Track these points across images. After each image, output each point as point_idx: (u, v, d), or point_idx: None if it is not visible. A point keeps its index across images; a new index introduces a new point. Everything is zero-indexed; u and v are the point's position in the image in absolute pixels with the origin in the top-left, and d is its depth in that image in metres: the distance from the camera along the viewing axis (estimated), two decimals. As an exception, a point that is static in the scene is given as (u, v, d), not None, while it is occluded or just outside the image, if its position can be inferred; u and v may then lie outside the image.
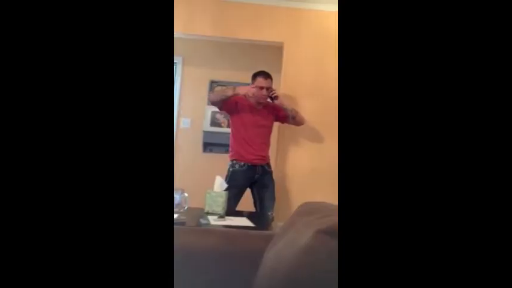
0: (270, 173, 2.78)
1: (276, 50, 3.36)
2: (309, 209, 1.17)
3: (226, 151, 3.86)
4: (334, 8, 3.13)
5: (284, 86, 3.18)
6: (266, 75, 2.69)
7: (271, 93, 2.71)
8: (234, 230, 1.69)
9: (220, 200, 2.07)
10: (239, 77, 3.96)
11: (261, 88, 2.64)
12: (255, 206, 2.74)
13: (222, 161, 3.72)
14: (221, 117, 3.95)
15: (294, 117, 2.80)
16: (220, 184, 2.15)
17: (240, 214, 2.18)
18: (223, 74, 4.00)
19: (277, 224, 2.72)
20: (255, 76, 2.70)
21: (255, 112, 2.70)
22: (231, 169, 2.68)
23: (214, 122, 3.92)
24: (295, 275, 0.70)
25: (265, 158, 2.75)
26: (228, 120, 3.94)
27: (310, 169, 3.14)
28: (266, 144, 2.77)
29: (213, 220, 1.86)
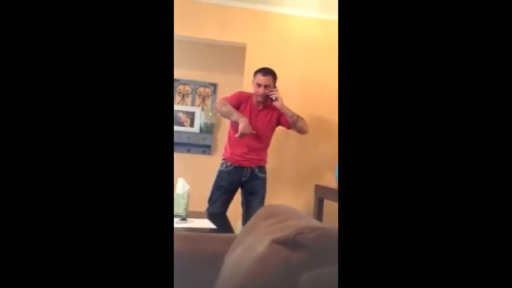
0: (262, 179, 2.55)
1: (239, 51, 3.39)
2: (269, 212, 1.21)
3: (188, 151, 3.88)
4: (297, 12, 3.20)
5: (246, 87, 3.23)
6: (265, 71, 2.47)
7: (270, 93, 2.47)
8: (196, 233, 1.72)
9: (182, 201, 2.08)
10: (202, 76, 3.98)
11: (258, 85, 2.44)
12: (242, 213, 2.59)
13: (184, 162, 3.72)
14: (183, 116, 3.93)
15: (294, 123, 2.51)
16: (182, 186, 2.16)
17: (202, 216, 2.20)
18: (187, 73, 3.98)
19: (238, 225, 2.76)
20: (255, 73, 2.51)
21: (255, 113, 2.50)
22: (218, 169, 2.56)
23: (176, 121, 3.89)
24: (249, 284, 0.73)
25: (257, 160, 2.54)
26: (190, 119, 3.94)
27: (270, 166, 3.21)
28: (263, 148, 2.56)
29: (175, 223, 1.87)
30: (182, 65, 4.00)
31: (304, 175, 3.22)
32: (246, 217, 2.52)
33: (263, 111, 2.55)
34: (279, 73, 3.02)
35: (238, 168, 2.51)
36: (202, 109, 3.97)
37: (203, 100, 4.02)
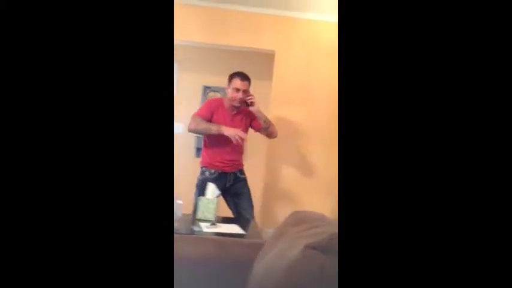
0: (244, 180, 2.60)
1: (267, 57, 3.41)
2: (298, 219, 1.21)
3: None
4: (325, 17, 3.20)
5: (275, 93, 3.24)
6: (243, 76, 2.48)
7: (248, 98, 2.48)
8: (226, 238, 1.73)
9: (212, 206, 2.10)
10: (231, 83, 4.01)
11: (237, 90, 2.44)
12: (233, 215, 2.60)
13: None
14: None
15: (266, 128, 2.57)
16: (212, 190, 2.18)
17: (231, 221, 2.22)
18: (216, 80, 4.04)
19: (266, 231, 2.76)
20: (231, 77, 2.50)
21: (229, 118, 2.50)
22: (200, 177, 2.53)
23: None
24: None
25: (237, 164, 2.58)
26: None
27: (299, 176, 3.20)
28: (239, 151, 2.59)
29: (205, 227, 1.89)
30: (212, 73, 4.07)
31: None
32: (237, 216, 2.54)
33: (237, 115, 2.55)
34: (307, 79, 2.99)
35: (222, 174, 2.53)
36: (231, 115, 4.00)
37: (232, 106, 4.06)
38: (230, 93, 2.48)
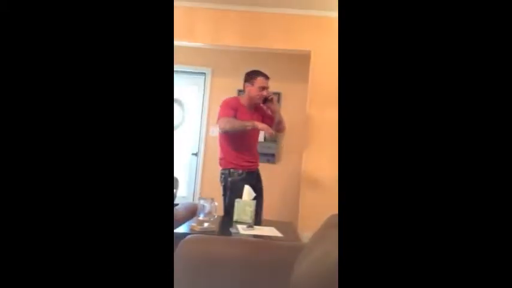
0: (260, 177, 2.68)
1: (303, 59, 3.37)
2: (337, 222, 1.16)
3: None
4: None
5: (311, 95, 3.19)
6: (265, 75, 2.56)
7: (269, 94, 2.56)
8: (263, 240, 1.70)
9: (249, 209, 2.08)
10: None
11: (262, 88, 2.52)
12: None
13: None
14: (248, 125, 3.97)
15: (280, 122, 2.65)
16: (249, 193, 2.16)
17: (268, 223, 2.18)
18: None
19: (304, 235, 2.71)
20: (254, 75, 2.55)
21: (250, 115, 2.54)
22: (229, 179, 2.51)
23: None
24: (332, 282, 0.70)
25: (257, 162, 2.68)
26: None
27: (335, 177, 3.12)
28: (257, 148, 2.70)
29: (242, 229, 1.87)
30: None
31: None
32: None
33: (255, 112, 2.61)
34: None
35: (249, 174, 2.56)
36: (266, 118, 3.99)
37: (267, 109, 4.05)
38: (253, 91, 2.53)
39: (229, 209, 2.37)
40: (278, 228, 1.97)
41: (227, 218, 2.25)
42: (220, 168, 2.59)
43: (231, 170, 2.53)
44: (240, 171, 2.53)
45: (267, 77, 2.55)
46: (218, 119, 2.51)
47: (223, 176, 2.55)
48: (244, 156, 2.55)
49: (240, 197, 2.41)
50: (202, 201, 1.87)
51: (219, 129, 2.52)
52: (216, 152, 2.69)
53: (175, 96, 4.10)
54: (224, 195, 2.54)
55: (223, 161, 2.58)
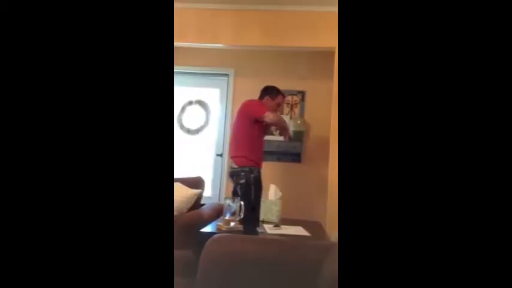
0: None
1: (327, 56, 3.31)
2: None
3: (278, 159, 3.89)
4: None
5: (335, 93, 3.13)
6: (282, 93, 2.94)
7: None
8: (291, 239, 1.67)
9: (275, 208, 2.06)
10: (290, 85, 3.96)
11: (279, 105, 2.91)
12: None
13: (275, 170, 3.73)
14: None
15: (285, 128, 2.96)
16: (274, 192, 2.14)
17: (295, 222, 2.15)
18: (274, 83, 4.02)
19: (332, 234, 2.66)
20: (276, 92, 2.88)
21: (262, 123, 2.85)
22: (252, 175, 2.67)
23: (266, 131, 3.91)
24: None
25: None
26: (276, 130, 3.97)
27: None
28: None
29: (269, 229, 1.85)
30: (270, 75, 4.05)
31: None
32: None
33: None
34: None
35: (260, 171, 2.76)
36: (291, 118, 3.95)
37: (291, 108, 4.01)
38: (272, 106, 2.82)
39: (255, 205, 2.41)
40: (306, 228, 1.94)
41: (252, 215, 2.25)
42: (236, 165, 2.69)
43: (252, 167, 2.68)
44: (259, 169, 2.73)
45: (283, 95, 2.94)
46: (263, 112, 2.68)
47: (243, 173, 2.66)
48: (260, 154, 2.81)
49: (262, 193, 2.53)
50: (228, 201, 1.86)
51: (268, 120, 2.67)
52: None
53: (199, 98, 4.12)
54: (240, 191, 2.62)
55: (244, 159, 2.69)
